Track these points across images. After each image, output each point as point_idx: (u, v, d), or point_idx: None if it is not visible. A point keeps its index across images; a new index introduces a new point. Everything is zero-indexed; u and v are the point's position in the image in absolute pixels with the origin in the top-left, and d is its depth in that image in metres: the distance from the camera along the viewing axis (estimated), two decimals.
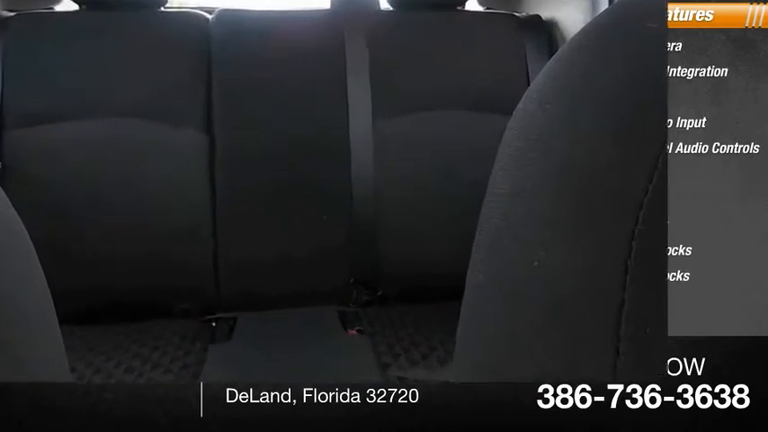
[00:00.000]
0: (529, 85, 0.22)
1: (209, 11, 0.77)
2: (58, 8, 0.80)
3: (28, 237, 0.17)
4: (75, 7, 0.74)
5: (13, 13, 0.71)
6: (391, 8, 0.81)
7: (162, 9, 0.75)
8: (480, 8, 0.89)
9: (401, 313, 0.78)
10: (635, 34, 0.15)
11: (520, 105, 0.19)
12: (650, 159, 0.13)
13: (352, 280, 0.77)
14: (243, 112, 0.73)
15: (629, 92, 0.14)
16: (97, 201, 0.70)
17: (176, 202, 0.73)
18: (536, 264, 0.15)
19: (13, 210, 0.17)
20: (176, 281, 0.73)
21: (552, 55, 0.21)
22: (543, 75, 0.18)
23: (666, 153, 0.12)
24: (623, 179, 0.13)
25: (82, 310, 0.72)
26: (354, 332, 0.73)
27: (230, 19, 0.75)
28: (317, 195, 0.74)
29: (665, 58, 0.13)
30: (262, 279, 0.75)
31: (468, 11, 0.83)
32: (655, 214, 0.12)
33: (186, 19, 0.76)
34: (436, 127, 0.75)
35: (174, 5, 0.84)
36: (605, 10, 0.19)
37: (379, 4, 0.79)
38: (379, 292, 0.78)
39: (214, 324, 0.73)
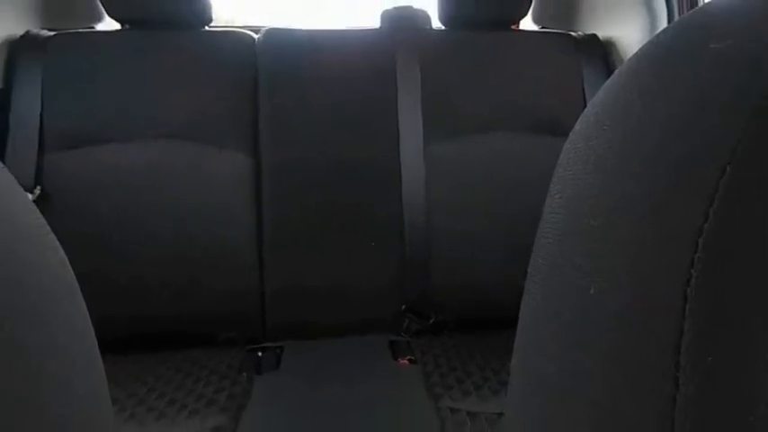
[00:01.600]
0: (585, 106, 0.20)
1: (256, 30, 0.77)
2: (99, 27, 0.80)
3: (69, 267, 0.17)
4: (117, 26, 0.75)
5: (52, 33, 0.71)
6: (443, 27, 0.79)
7: (207, 28, 0.75)
8: (535, 27, 0.88)
9: (454, 343, 0.77)
10: (696, 55, 0.15)
11: (576, 127, 0.19)
12: (711, 184, 0.12)
13: (403, 308, 0.77)
14: (290, 134, 0.73)
15: (692, 116, 0.14)
16: (139, 226, 0.70)
17: (221, 227, 0.72)
18: (592, 292, 0.15)
19: (55, 238, 0.17)
20: (221, 309, 0.73)
21: (609, 75, 0.20)
22: (601, 96, 0.18)
23: (728, 177, 0.12)
24: (682, 205, 0.13)
25: (124, 338, 0.72)
26: (405, 361, 0.72)
27: (278, 38, 0.75)
28: (367, 221, 0.74)
29: (730, 80, 0.13)
30: (309, 307, 0.75)
31: (523, 30, 0.83)
32: (715, 242, 0.12)
33: (232, 38, 0.76)
34: (491, 150, 0.75)
35: (221, 24, 0.84)
36: (665, 29, 0.19)
37: (430, 22, 0.79)
38: (432, 321, 0.77)
39: (260, 354, 0.73)
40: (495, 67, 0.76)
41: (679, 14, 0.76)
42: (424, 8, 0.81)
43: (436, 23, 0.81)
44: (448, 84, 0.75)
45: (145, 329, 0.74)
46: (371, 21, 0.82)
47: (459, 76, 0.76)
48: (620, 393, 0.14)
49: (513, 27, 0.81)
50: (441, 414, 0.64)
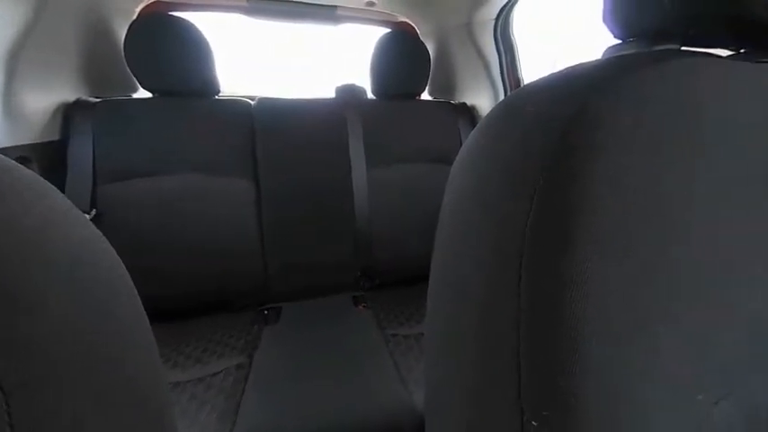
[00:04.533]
0: (461, 146, 0.28)
1: (252, 98, 0.92)
2: (136, 95, 0.92)
3: (122, 264, 0.20)
4: (149, 95, 0.86)
5: (98, 100, 0.82)
6: (374, 97, 1.04)
7: (216, 97, 0.89)
8: (430, 97, 1.20)
9: (392, 294, 0.98)
10: (520, 114, 0.20)
11: (456, 159, 0.24)
12: (531, 192, 0.17)
13: (359, 274, 0.96)
14: (279, 166, 0.88)
15: (519, 150, 0.19)
16: (174, 233, 0.81)
17: (234, 229, 0.85)
18: (462, 267, 0.20)
19: (109, 245, 0.20)
20: (237, 285, 0.87)
21: (474, 127, 0.25)
22: (468, 141, 0.23)
23: (542, 186, 0.17)
24: (514, 205, 0.18)
25: (168, 311, 0.82)
26: (362, 308, 0.91)
27: (267, 105, 0.91)
28: (332, 220, 0.92)
29: (541, 127, 0.18)
30: (297, 278, 0.91)
31: (423, 99, 1.09)
32: (536, 230, 0.16)
33: (234, 104, 0.90)
34: (410, 173, 0.96)
35: (227, 93, 0.94)
36: (502, 99, 0.24)
37: (366, 94, 1.04)
38: (377, 282, 0.99)
39: (266, 312, 0.88)
40: (408, 122, 0.98)
41: (510, 90, 1.07)
42: (362, 85, 1.04)
43: (371, 95, 1.04)
44: (381, 133, 0.95)
45: (182, 304, 0.84)
46: (328, 91, 1.03)
47: (388, 128, 0.96)
48: (477, 326, 0.19)
49: (417, 98, 1.06)
50: (386, 338, 0.81)
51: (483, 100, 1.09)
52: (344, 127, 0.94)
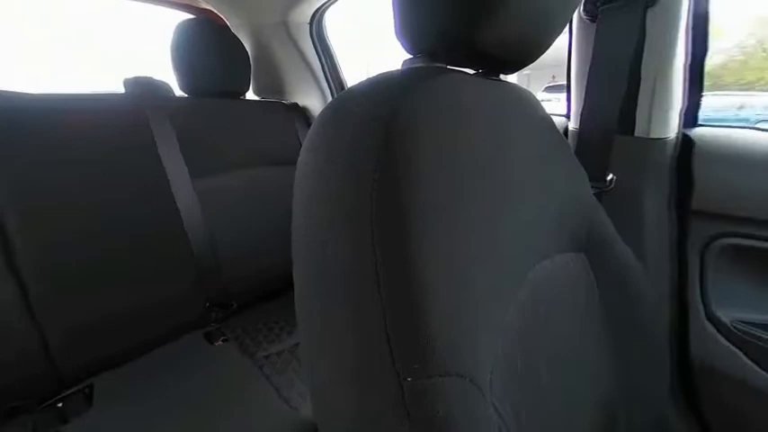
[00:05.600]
0: (301, 145, 0.28)
1: None
2: None
3: None
4: None
5: None
6: (186, 95, 0.90)
7: None
8: (256, 97, 1.14)
9: (255, 314, 0.92)
10: (349, 114, 0.23)
11: (298, 166, 0.26)
12: (371, 183, 0.20)
13: (207, 305, 0.84)
14: (51, 188, 0.64)
15: (351, 144, 0.22)
16: None
17: None
18: (323, 264, 0.22)
19: None
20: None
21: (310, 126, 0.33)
22: (306, 141, 0.26)
23: (379, 176, 0.20)
24: (356, 193, 0.20)
25: None
26: (220, 343, 0.82)
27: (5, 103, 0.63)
28: (157, 252, 0.74)
29: (366, 124, 0.21)
30: (119, 336, 0.71)
31: (248, 99, 1.00)
32: (378, 216, 0.20)
33: None
34: (251, 179, 0.89)
35: None
36: (332, 101, 0.26)
37: (172, 90, 0.90)
38: (234, 306, 0.89)
39: (60, 405, 0.66)
40: (238, 124, 0.89)
41: (337, 92, 1.12)
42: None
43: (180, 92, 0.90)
44: (205, 136, 0.83)
45: None
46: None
47: (214, 131, 0.85)
48: (350, 316, 0.22)
49: (241, 98, 0.97)
50: (257, 362, 0.77)
51: (313, 101, 1.11)
52: (148, 129, 0.77)
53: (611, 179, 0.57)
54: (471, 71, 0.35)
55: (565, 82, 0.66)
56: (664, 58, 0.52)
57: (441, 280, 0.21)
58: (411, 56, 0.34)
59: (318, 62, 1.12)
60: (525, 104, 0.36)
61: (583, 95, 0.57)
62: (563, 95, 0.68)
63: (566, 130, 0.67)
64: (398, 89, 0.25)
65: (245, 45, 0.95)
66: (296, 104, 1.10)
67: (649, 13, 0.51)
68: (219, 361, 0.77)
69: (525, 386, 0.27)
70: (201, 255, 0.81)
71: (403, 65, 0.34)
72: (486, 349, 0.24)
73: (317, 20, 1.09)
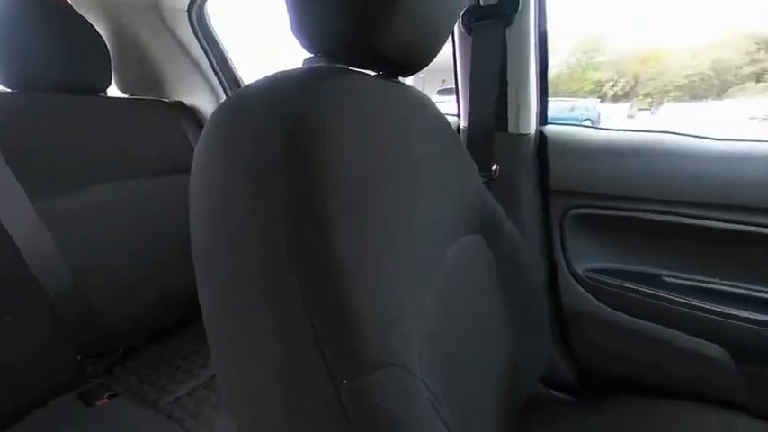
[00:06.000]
0: (192, 147, 0.36)
1: None
2: None
3: None
4: None
5: None
6: (9, 90, 0.68)
7: None
8: (123, 95, 0.94)
9: (153, 353, 0.81)
10: (249, 112, 0.22)
11: (193, 172, 0.24)
12: (284, 185, 0.20)
13: (79, 358, 0.69)
14: None
15: (253, 144, 0.20)
16: None
17: None
18: (234, 273, 0.21)
19: None
20: None
21: (202, 128, 0.25)
22: (200, 143, 0.24)
23: (288, 177, 0.20)
24: (269, 200, 0.20)
25: None
26: (105, 400, 0.69)
27: None
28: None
29: (269, 121, 0.21)
30: None
31: (112, 97, 0.82)
32: (295, 217, 0.19)
33: None
34: (118, 197, 0.72)
35: None
36: (226, 99, 0.25)
37: None
38: (120, 351, 0.76)
39: None
40: (96, 127, 0.72)
41: (230, 89, 1.00)
42: None
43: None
44: (39, 144, 0.65)
45: None
46: None
47: (55, 136, 0.67)
48: (273, 327, 0.21)
49: (101, 94, 0.78)
50: (165, 410, 0.67)
51: (203, 99, 0.99)
52: None
53: (496, 169, 0.68)
54: (372, 73, 0.36)
55: (453, 86, 0.75)
56: (521, 68, 0.63)
57: (363, 280, 0.21)
58: (311, 54, 0.34)
59: (204, 56, 1.00)
60: (422, 105, 0.39)
61: (468, 98, 0.66)
62: (453, 98, 0.77)
63: (458, 128, 0.76)
64: (300, 89, 0.24)
65: (98, 30, 0.77)
66: (181, 103, 0.97)
67: (508, 31, 0.61)
68: (109, 422, 0.65)
69: (448, 361, 0.30)
70: (62, 297, 0.64)
71: (304, 63, 0.34)
72: (413, 335, 0.25)
73: (197, 6, 0.97)
